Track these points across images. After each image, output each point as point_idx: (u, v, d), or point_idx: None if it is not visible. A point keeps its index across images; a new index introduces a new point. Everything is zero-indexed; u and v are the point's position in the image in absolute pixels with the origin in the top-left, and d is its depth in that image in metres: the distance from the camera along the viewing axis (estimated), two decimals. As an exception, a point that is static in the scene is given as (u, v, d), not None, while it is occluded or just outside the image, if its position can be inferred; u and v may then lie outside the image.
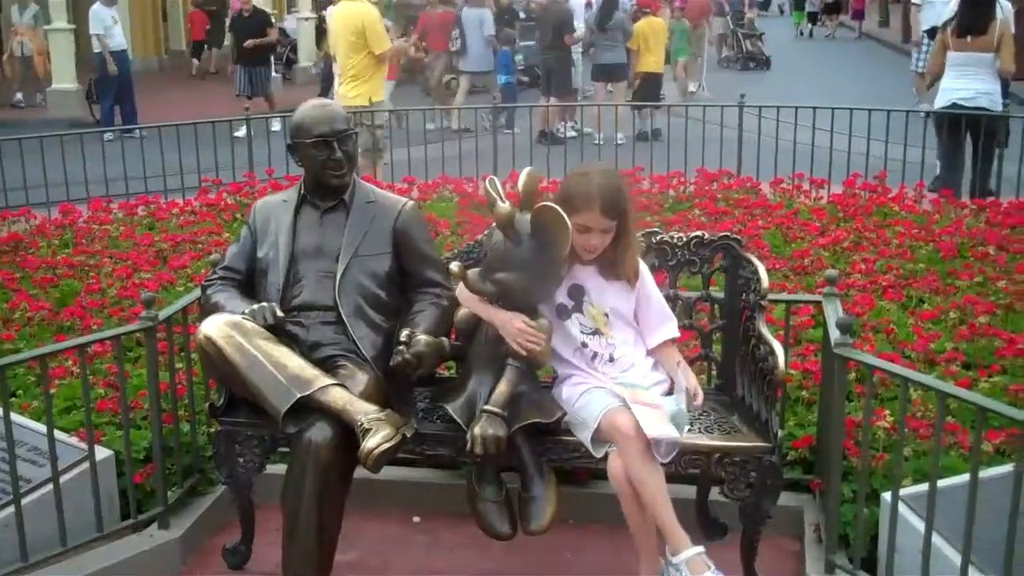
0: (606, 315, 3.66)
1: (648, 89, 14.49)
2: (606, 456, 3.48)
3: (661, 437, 3.37)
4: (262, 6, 17.38)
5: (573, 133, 13.61)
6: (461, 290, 3.67)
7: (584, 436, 3.52)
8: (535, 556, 4.00)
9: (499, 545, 3.80)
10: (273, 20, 18.15)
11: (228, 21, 18.81)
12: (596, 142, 11.64)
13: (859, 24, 34.92)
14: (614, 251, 3.63)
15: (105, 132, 10.43)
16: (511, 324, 3.52)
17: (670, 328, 3.75)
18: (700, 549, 3.35)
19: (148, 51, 22.69)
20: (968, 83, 8.69)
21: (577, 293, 3.66)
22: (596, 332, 3.65)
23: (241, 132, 10.56)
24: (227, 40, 19.42)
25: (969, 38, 8.65)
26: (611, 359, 3.65)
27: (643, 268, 3.72)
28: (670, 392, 3.63)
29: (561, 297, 3.65)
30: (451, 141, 9.42)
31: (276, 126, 11.68)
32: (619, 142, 11.29)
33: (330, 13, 10.64)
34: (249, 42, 15.71)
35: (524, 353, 3.50)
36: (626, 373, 3.63)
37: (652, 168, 8.66)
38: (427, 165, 8.83)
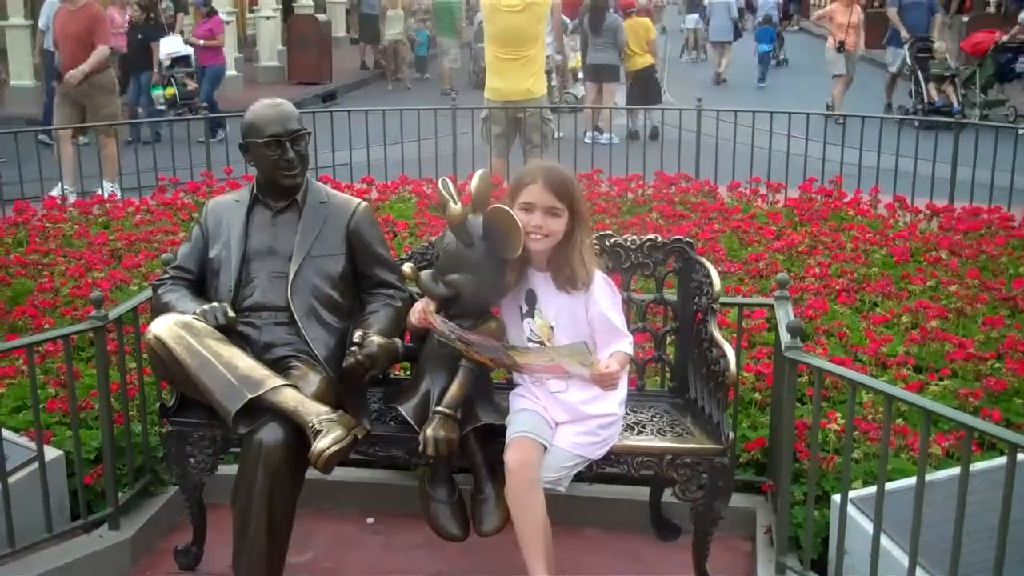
0: (551, 328, 3.54)
1: (642, 86, 14.23)
2: None
3: (551, 479, 3.41)
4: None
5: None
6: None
7: None
8: (488, 557, 3.99)
9: (453, 546, 3.80)
10: None
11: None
12: (586, 141, 11.85)
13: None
14: (562, 254, 3.51)
15: (58, 130, 10.24)
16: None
17: (619, 346, 3.53)
18: None
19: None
20: None
21: (531, 299, 3.58)
22: (540, 343, 3.55)
23: None
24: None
25: None
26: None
27: (598, 282, 3.54)
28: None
29: (520, 299, 3.60)
30: (411, 143, 9.32)
31: None
32: (614, 142, 11.31)
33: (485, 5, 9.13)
34: None
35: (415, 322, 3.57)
36: (560, 394, 3.53)
37: (611, 170, 8.68)
38: (387, 166, 8.80)
